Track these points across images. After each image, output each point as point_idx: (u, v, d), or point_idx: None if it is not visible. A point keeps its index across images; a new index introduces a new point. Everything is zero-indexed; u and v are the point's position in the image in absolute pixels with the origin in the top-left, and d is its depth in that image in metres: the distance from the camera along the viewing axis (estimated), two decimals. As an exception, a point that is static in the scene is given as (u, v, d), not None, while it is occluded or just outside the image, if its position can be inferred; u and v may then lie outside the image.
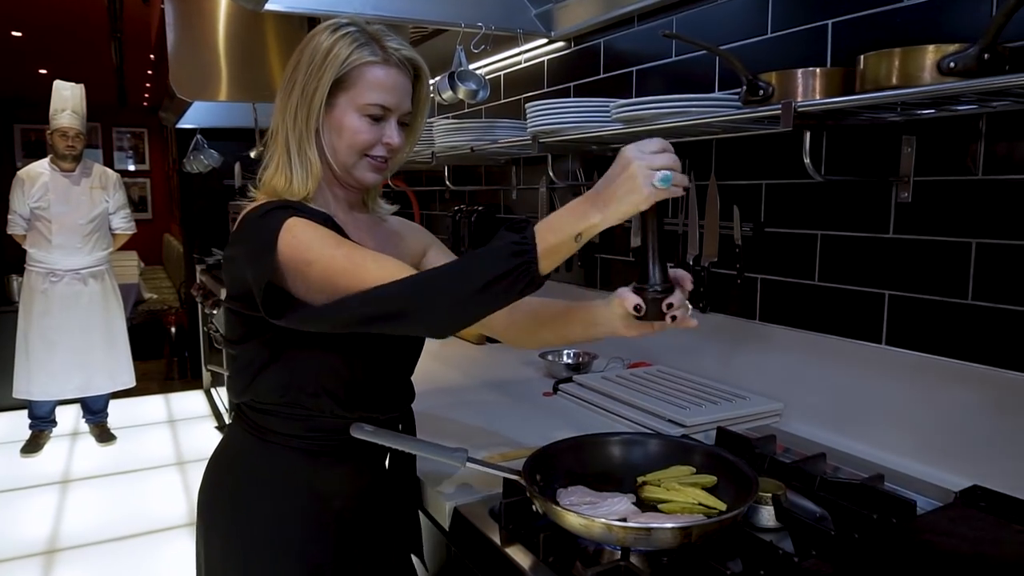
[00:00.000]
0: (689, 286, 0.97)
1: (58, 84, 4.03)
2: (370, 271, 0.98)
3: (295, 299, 1.03)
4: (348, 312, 0.96)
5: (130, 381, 4.44)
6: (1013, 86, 0.93)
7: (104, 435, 4.43)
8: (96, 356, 4.22)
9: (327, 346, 1.09)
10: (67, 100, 4.00)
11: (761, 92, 1.24)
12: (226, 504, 1.19)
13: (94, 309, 4.20)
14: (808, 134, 1.24)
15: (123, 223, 4.35)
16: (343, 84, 1.11)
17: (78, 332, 4.14)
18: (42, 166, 4.11)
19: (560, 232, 0.88)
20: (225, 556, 1.17)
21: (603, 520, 0.92)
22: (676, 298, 0.94)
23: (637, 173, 0.85)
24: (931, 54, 1.02)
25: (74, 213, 4.09)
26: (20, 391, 4.16)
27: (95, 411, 4.44)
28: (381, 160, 1.16)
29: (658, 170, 0.85)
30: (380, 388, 1.18)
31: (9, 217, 4.07)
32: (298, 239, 1.01)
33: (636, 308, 0.95)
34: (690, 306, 0.97)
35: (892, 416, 1.36)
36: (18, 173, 4.12)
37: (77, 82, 4.08)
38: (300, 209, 1.07)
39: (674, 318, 0.95)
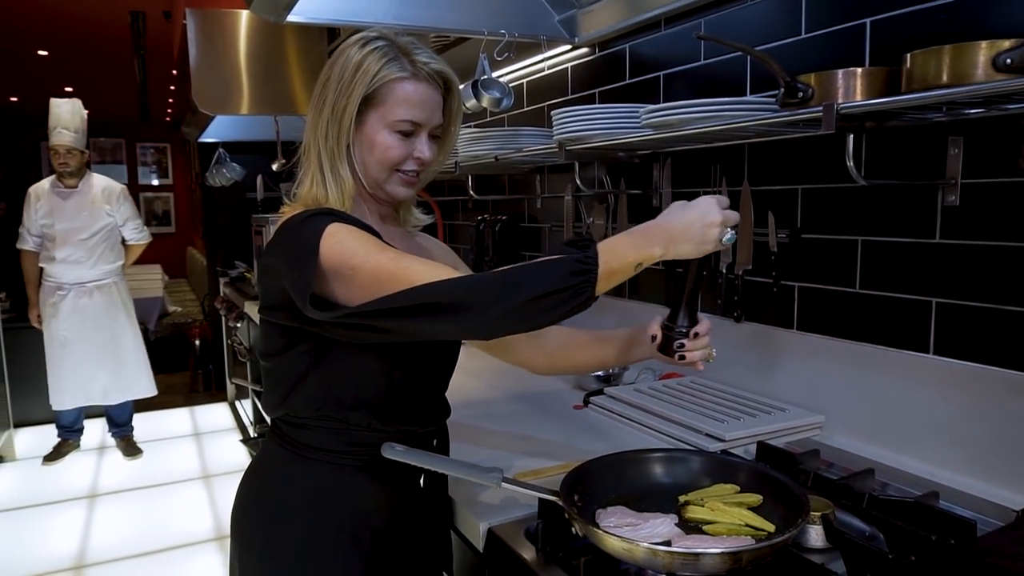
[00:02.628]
0: (703, 331, 1.09)
1: (53, 101, 4.03)
2: (419, 273, 0.95)
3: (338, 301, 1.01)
4: (396, 301, 0.92)
5: (144, 392, 4.41)
6: (1076, 82, 0.88)
7: (130, 448, 4.44)
8: (104, 367, 4.23)
9: (366, 356, 1.07)
10: (58, 118, 3.99)
11: (800, 94, 1.20)
12: (261, 524, 1.16)
13: (100, 322, 4.20)
14: (851, 137, 1.19)
15: (134, 234, 4.33)
16: (373, 100, 1.10)
17: (85, 344, 4.16)
18: (48, 183, 4.15)
19: (622, 259, 0.92)
20: None
21: (647, 544, 0.87)
22: (691, 342, 1.08)
23: (716, 225, 0.94)
24: (984, 50, 0.97)
25: (77, 228, 4.10)
26: (50, 401, 4.24)
27: (119, 424, 4.47)
28: (412, 175, 1.15)
29: (730, 227, 0.95)
30: (418, 401, 1.15)
31: (20, 232, 4.14)
32: (342, 244, 0.99)
33: (653, 338, 1.11)
34: (713, 352, 1.11)
35: (942, 429, 1.30)
36: (28, 190, 4.16)
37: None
38: (341, 216, 1.06)
39: (683, 357, 1.09)
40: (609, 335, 1.25)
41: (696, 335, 1.08)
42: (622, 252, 0.91)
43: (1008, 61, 0.94)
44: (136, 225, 4.34)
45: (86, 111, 4.11)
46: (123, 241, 4.33)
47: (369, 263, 0.97)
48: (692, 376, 1.83)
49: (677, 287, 1.07)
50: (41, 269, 4.17)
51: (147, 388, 4.45)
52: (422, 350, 1.12)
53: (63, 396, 4.20)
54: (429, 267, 0.97)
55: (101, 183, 4.24)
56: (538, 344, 1.29)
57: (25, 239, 4.14)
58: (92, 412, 4.46)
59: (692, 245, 0.94)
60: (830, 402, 1.51)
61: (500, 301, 0.89)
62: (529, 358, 1.30)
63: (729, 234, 0.95)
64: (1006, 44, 0.96)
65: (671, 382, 1.79)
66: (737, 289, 1.70)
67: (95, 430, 4.71)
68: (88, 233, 4.13)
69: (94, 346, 4.19)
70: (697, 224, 0.94)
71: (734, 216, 0.96)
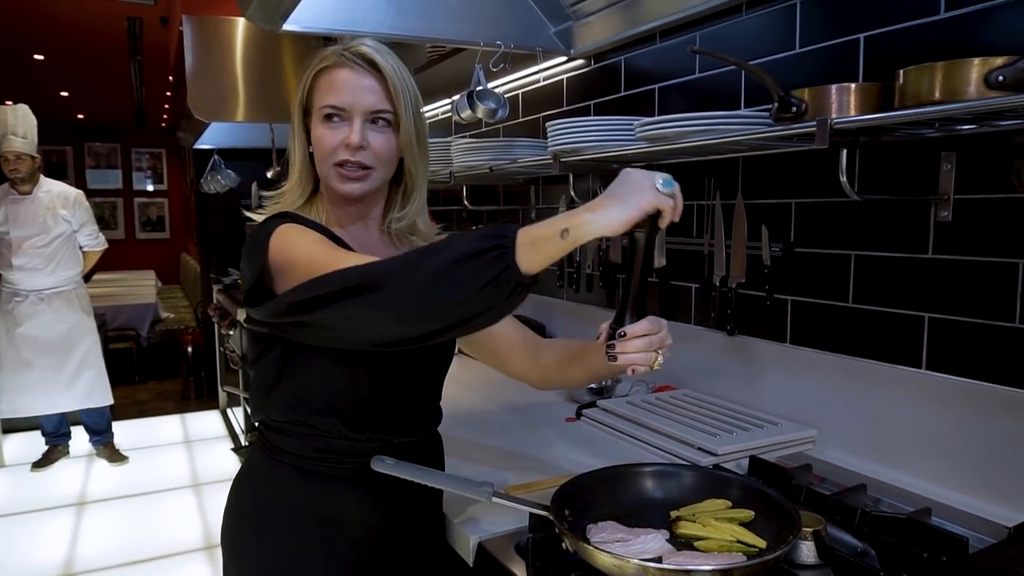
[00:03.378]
0: (634, 332, 0.96)
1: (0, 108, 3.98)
2: (348, 263, 0.93)
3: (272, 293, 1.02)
4: (314, 288, 0.90)
5: (99, 401, 4.31)
6: (1068, 100, 0.88)
7: (114, 456, 4.41)
8: (60, 376, 4.16)
9: (331, 362, 1.08)
10: (6, 124, 3.93)
11: (794, 109, 1.20)
12: (242, 528, 1.17)
13: (57, 329, 4.13)
14: (844, 152, 1.19)
15: (90, 240, 4.26)
16: (309, 100, 1.14)
17: (40, 351, 4.10)
18: (3, 190, 4.09)
19: (545, 227, 0.83)
20: None
21: (637, 561, 0.87)
22: (621, 343, 0.95)
23: (642, 177, 0.85)
24: (977, 67, 0.97)
25: (33, 235, 4.03)
26: (3, 408, 4.17)
27: (97, 432, 4.41)
28: (351, 167, 1.10)
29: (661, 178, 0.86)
30: (391, 410, 1.14)
31: None
32: (286, 240, 1.02)
33: (597, 337, 1.01)
34: (658, 359, 0.97)
35: (934, 445, 1.30)
36: None
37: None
38: (295, 218, 1.09)
39: (614, 359, 0.96)
40: (594, 347, 1.18)
41: (624, 335, 0.96)
42: (544, 223, 0.84)
43: (1000, 78, 0.94)
44: (92, 231, 4.27)
45: (35, 118, 4.03)
46: (80, 247, 4.25)
47: (304, 256, 0.98)
48: (685, 389, 1.82)
49: (623, 286, 1.01)
50: None
51: (103, 397, 4.33)
52: (389, 358, 1.10)
53: (16, 404, 4.14)
54: (361, 259, 0.95)
55: (57, 188, 4.18)
56: (533, 359, 1.28)
57: None
58: (76, 419, 4.41)
59: (629, 199, 0.83)
60: (823, 416, 1.51)
61: (415, 271, 0.85)
62: (524, 372, 1.29)
63: (663, 177, 0.86)
64: (998, 61, 0.96)
65: (664, 395, 1.79)
66: (730, 302, 1.70)
67: (84, 437, 4.67)
68: (46, 240, 4.06)
69: (51, 353, 4.12)
70: (624, 182, 0.86)
71: (660, 172, 0.88)
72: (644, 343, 0.96)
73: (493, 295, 0.82)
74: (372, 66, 1.11)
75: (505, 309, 0.86)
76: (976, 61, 0.98)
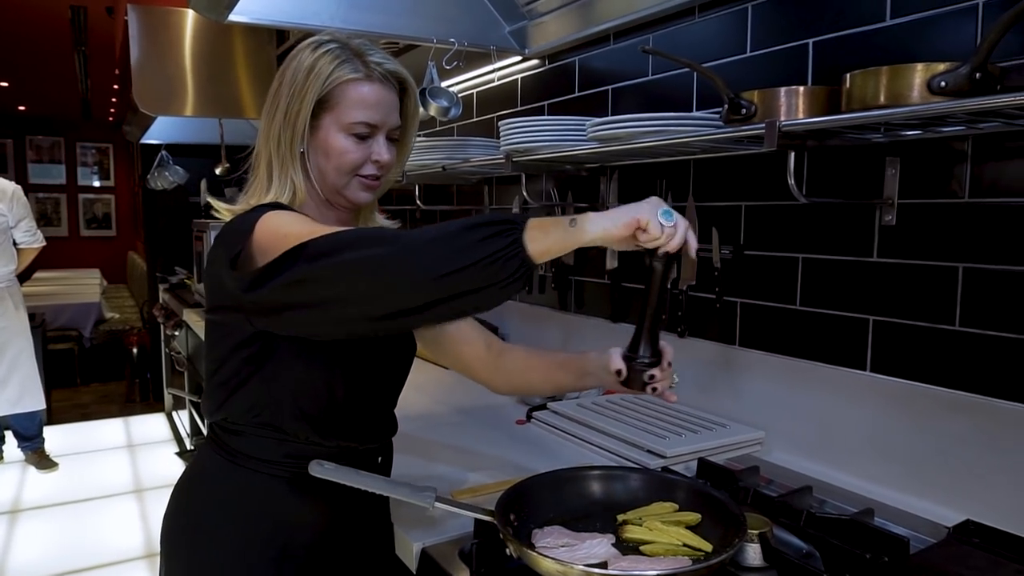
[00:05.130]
0: (669, 358, 1.03)
1: None
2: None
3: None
4: (328, 240, 0.86)
5: (33, 405, 4.14)
6: (1006, 106, 0.89)
7: (43, 462, 4.23)
8: None
9: (308, 365, 1.05)
10: None
11: (743, 111, 1.20)
12: (189, 530, 1.12)
13: None
14: (792, 154, 1.20)
15: (26, 237, 4.07)
16: (326, 103, 1.08)
17: None
18: None
19: (555, 219, 0.85)
20: None
21: (582, 567, 0.85)
22: (659, 371, 1.00)
23: (649, 200, 0.89)
24: (920, 73, 0.98)
25: None
26: None
27: (27, 437, 4.23)
28: (372, 178, 1.13)
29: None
30: (360, 417, 1.12)
31: None
32: (275, 222, 0.98)
33: (618, 373, 1.03)
34: (675, 379, 1.05)
35: (878, 446, 1.32)
36: None
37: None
38: (284, 207, 1.06)
39: (655, 389, 1.01)
40: (565, 361, 1.22)
41: (662, 364, 1.01)
42: (552, 218, 0.87)
43: (942, 84, 0.96)
44: (29, 227, 4.08)
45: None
46: (15, 244, 4.07)
47: (301, 231, 0.91)
48: (636, 391, 1.82)
49: (638, 315, 1.01)
50: None
51: (34, 402, 4.14)
52: (367, 362, 1.10)
53: None
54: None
55: None
56: (496, 365, 1.27)
57: None
58: (7, 423, 4.22)
59: (627, 209, 0.87)
60: (771, 418, 1.52)
61: (424, 232, 0.84)
62: (488, 376, 1.29)
63: (663, 209, 0.88)
64: (940, 67, 0.97)
65: (614, 397, 1.78)
66: (681, 304, 1.70)
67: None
68: None
69: None
70: (631, 204, 0.89)
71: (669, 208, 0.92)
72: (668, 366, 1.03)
73: (498, 269, 0.81)
74: (400, 85, 1.14)
75: (503, 292, 0.84)
76: (919, 67, 0.99)
